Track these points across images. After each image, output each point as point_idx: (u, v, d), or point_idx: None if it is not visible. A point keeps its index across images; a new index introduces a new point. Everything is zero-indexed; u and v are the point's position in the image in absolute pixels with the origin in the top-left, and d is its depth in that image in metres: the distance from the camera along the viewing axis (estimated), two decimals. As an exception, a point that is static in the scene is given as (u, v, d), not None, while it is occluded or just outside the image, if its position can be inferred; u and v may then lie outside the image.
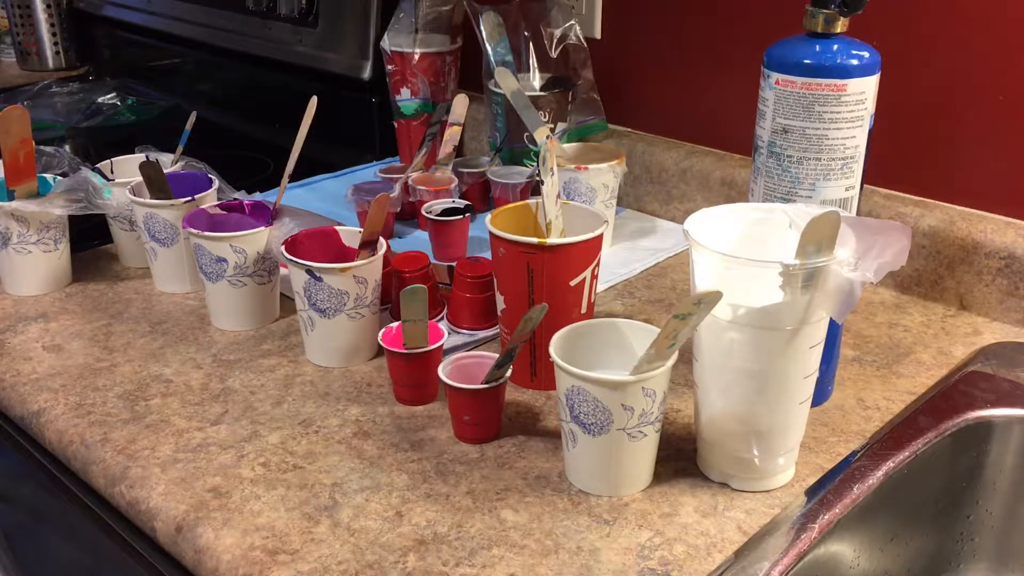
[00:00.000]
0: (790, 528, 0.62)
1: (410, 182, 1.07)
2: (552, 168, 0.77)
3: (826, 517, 0.63)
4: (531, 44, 1.13)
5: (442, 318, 0.88)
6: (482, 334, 0.86)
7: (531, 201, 0.81)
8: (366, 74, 1.31)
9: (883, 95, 0.71)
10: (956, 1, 0.88)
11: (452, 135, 1.09)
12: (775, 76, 0.68)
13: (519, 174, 1.10)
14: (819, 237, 0.57)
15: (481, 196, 1.13)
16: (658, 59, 1.12)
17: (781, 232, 0.65)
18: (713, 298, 0.56)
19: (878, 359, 0.83)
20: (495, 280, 0.78)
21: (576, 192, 0.99)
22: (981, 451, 0.75)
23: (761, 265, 0.59)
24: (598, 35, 1.16)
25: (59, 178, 0.95)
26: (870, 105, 0.68)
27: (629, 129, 1.17)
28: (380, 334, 0.77)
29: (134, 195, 0.92)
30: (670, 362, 0.62)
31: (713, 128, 1.09)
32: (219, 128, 1.54)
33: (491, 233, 0.75)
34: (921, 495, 0.73)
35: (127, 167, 1.03)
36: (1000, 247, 0.87)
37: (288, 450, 0.70)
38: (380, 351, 0.82)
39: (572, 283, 0.74)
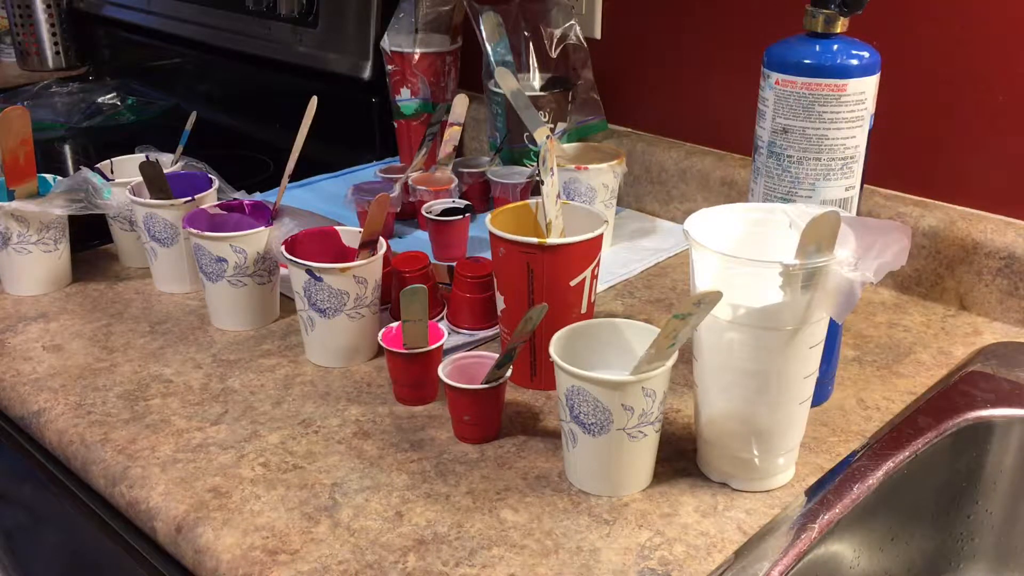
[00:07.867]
0: (790, 528, 0.62)
1: (410, 182, 1.07)
2: (552, 168, 0.77)
3: (826, 517, 0.63)
4: (531, 44, 1.13)
5: (442, 318, 0.88)
6: (482, 334, 0.86)
7: (531, 201, 0.81)
8: (366, 74, 1.31)
9: (883, 95, 0.71)
10: (956, 1, 0.88)
11: (452, 135, 1.09)
12: (775, 76, 0.68)
13: (519, 174, 1.10)
14: (819, 237, 0.57)
15: (481, 196, 1.13)
16: (658, 59, 1.12)
17: (781, 232, 0.65)
18: (713, 298, 0.56)
19: (878, 359, 0.83)
20: (495, 280, 0.78)
21: (576, 192, 0.99)
22: (981, 451, 0.75)
23: (761, 265, 0.59)
24: (598, 35, 1.16)
25: (59, 178, 0.95)
26: (870, 105, 0.68)
27: (629, 129, 1.17)
28: (380, 334, 0.77)
29: (134, 195, 0.92)
30: (670, 362, 0.62)
31: (713, 128, 1.09)
32: (219, 128, 1.54)
33: (491, 233, 0.75)
34: (921, 495, 0.73)
35: (127, 167, 1.03)
36: (1000, 247, 0.87)
37: (288, 450, 0.70)
38: (380, 351, 0.82)
39: (572, 283, 0.74)
